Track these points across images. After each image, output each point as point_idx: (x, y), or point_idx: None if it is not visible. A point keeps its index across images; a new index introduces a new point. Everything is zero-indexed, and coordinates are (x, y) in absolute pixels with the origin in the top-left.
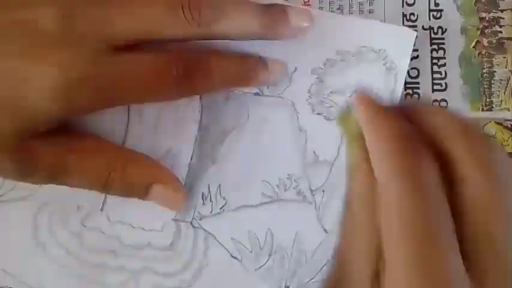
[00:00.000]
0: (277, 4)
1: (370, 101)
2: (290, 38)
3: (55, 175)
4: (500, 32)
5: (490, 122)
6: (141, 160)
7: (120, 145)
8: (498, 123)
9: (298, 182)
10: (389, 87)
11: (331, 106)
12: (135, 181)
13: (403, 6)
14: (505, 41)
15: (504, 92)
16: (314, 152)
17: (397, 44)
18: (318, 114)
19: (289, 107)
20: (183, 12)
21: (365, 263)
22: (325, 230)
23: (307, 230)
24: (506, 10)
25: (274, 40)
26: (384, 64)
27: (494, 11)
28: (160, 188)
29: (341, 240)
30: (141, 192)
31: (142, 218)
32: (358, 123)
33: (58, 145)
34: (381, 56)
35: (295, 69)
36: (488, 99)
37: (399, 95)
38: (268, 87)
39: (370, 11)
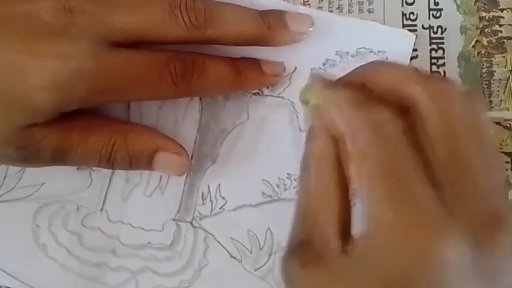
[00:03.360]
0: (274, 10)
1: (325, 77)
2: (287, 44)
3: (59, 157)
4: (500, 31)
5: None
6: (143, 130)
7: (122, 120)
8: (497, 123)
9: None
10: None
11: None
12: (138, 150)
13: (402, 5)
14: (504, 40)
15: (503, 92)
16: None
17: (397, 46)
18: None
19: (289, 107)
20: (181, 15)
21: (335, 221)
22: None
23: None
24: (506, 9)
25: (271, 46)
26: None
27: (494, 10)
28: (165, 154)
29: (304, 202)
30: (146, 161)
31: (142, 218)
32: (317, 95)
33: (59, 127)
34: (380, 58)
35: (295, 69)
36: (487, 99)
37: None
38: (268, 87)
39: (370, 11)
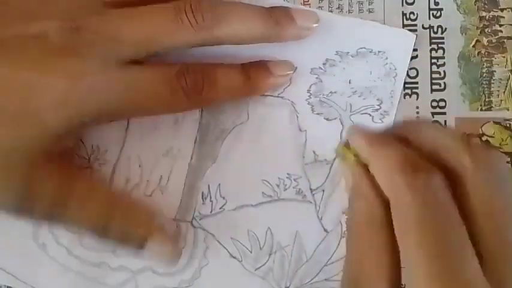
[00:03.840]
0: (280, 6)
1: (367, 131)
2: (294, 39)
3: (52, 216)
4: (500, 31)
5: (489, 121)
6: (141, 211)
7: (118, 191)
8: (497, 123)
9: (298, 182)
10: (389, 89)
11: (331, 106)
12: (132, 232)
13: (402, 5)
14: (504, 40)
15: (504, 92)
16: (314, 152)
17: (397, 46)
18: (318, 114)
19: (289, 107)
20: (187, 17)
21: (381, 282)
22: (325, 230)
23: (307, 230)
24: (506, 9)
25: (278, 42)
26: (383, 66)
27: (494, 10)
28: (158, 242)
29: (352, 260)
30: (138, 244)
31: None
32: (357, 153)
33: (58, 181)
34: (381, 58)
35: (295, 69)
36: (487, 99)
37: (398, 97)
38: None
39: (370, 10)
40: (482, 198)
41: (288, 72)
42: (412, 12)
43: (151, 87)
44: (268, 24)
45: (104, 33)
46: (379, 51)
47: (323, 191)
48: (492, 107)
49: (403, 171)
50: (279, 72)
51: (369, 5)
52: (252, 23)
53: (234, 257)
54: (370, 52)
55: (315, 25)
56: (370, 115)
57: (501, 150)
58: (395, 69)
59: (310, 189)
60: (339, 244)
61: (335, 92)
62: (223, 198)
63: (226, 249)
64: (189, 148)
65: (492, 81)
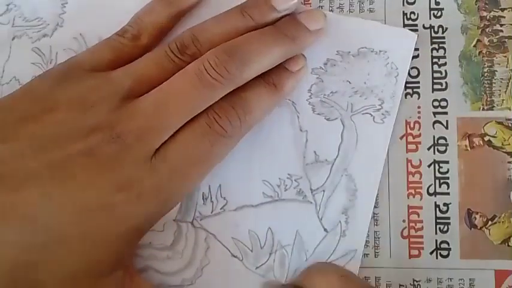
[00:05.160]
0: (288, 17)
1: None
2: (313, 43)
3: None
4: (501, 30)
5: (490, 121)
6: None
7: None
8: (499, 123)
9: (299, 182)
10: (390, 88)
11: (332, 106)
12: None
13: (403, 4)
14: (505, 39)
15: (505, 91)
16: (314, 152)
17: (398, 46)
18: (319, 114)
19: (290, 107)
20: (212, 77)
21: None
22: (325, 229)
23: (307, 229)
24: (507, 9)
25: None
26: (385, 65)
27: (495, 9)
28: None
29: None
30: None
31: None
32: None
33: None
34: (382, 58)
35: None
36: (489, 99)
37: (400, 96)
38: None
39: (371, 10)
40: None
41: (304, 66)
42: (412, 12)
43: (191, 152)
44: (286, 44)
45: (143, 129)
46: (380, 51)
47: (323, 191)
48: (494, 106)
49: None
50: (296, 68)
51: (369, 4)
52: (272, 53)
53: (235, 256)
54: (372, 52)
55: (324, 23)
56: (371, 115)
57: (503, 150)
58: (396, 68)
59: (311, 189)
60: (338, 243)
61: (336, 92)
62: (224, 198)
63: (227, 249)
64: None
65: (494, 81)
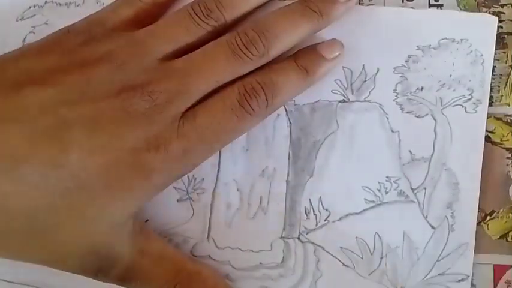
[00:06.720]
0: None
1: None
2: (341, 17)
3: (125, 278)
4: (501, 27)
5: (489, 117)
6: (208, 277)
7: (187, 254)
8: (498, 119)
9: (399, 183)
10: (478, 76)
11: (421, 103)
12: None
13: (403, 1)
14: (505, 36)
15: (504, 87)
16: (409, 151)
17: (480, 32)
18: (408, 112)
19: (377, 109)
20: (244, 53)
21: None
22: (432, 226)
23: (414, 229)
24: (506, 5)
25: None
26: (468, 54)
27: (494, 6)
28: None
29: None
30: None
31: (250, 240)
32: None
33: (137, 242)
34: (464, 46)
35: (377, 70)
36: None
37: (489, 83)
38: (353, 93)
39: None
40: None
41: (339, 52)
42: (412, 9)
43: (218, 121)
44: (314, 17)
45: (173, 91)
46: (462, 40)
47: (425, 189)
48: (493, 102)
49: None
50: (330, 54)
51: (368, 1)
52: (300, 28)
53: (347, 266)
54: (453, 42)
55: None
56: (462, 106)
57: (502, 146)
58: (481, 55)
59: (412, 188)
60: (447, 239)
61: (422, 88)
62: (326, 210)
63: (338, 259)
64: (284, 165)
65: (493, 77)
